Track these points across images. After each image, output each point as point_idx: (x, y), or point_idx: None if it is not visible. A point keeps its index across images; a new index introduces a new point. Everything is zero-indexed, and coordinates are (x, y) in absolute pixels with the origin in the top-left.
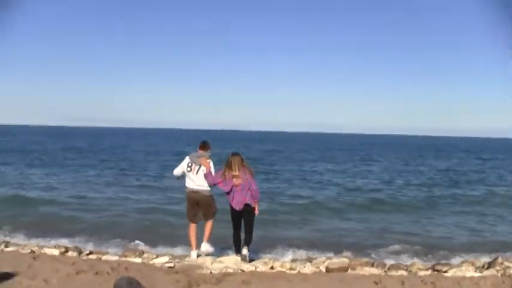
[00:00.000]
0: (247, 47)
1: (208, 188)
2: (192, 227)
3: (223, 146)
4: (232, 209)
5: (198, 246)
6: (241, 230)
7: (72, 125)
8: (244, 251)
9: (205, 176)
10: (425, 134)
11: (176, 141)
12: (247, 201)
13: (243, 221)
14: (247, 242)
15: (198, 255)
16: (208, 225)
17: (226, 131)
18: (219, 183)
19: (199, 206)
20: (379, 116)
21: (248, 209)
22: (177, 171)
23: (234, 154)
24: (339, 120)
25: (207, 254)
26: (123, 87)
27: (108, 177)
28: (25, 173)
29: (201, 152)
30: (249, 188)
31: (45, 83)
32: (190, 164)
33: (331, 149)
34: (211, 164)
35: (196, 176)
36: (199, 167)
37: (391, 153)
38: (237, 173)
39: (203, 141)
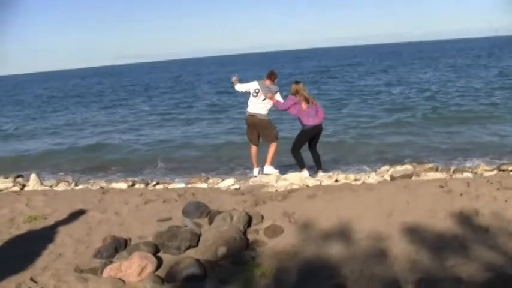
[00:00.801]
0: None
1: (265, 113)
2: (253, 149)
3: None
4: (306, 130)
5: (260, 165)
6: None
7: (121, 63)
8: (320, 173)
9: (275, 105)
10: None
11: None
12: (320, 121)
13: (310, 141)
14: (320, 164)
15: (260, 174)
16: (271, 148)
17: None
18: (289, 107)
19: (258, 129)
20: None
21: (321, 128)
22: (240, 88)
23: (298, 82)
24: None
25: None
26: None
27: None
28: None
29: (268, 82)
30: (317, 110)
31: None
32: (257, 90)
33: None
34: (279, 97)
35: (258, 102)
36: (265, 97)
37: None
38: (308, 100)
39: (270, 71)
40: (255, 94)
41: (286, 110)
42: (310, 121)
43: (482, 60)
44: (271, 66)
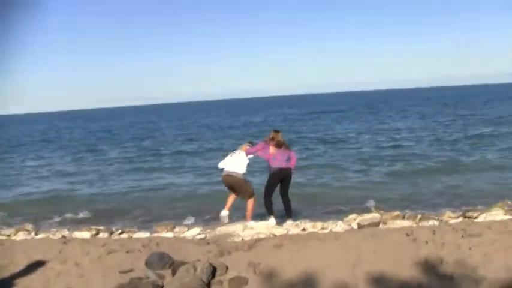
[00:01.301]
0: None
1: (241, 172)
2: (231, 194)
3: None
4: (273, 173)
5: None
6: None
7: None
8: (289, 221)
9: (246, 152)
10: None
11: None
12: (288, 165)
13: (279, 187)
14: (289, 211)
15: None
16: (248, 204)
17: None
18: (257, 150)
19: (234, 188)
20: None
21: (289, 173)
22: (221, 164)
23: (276, 131)
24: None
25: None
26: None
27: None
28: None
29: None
30: (288, 156)
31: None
32: (233, 151)
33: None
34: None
35: (232, 160)
36: (239, 152)
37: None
38: (277, 149)
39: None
40: (230, 155)
41: (253, 153)
42: (276, 164)
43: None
44: (239, 113)
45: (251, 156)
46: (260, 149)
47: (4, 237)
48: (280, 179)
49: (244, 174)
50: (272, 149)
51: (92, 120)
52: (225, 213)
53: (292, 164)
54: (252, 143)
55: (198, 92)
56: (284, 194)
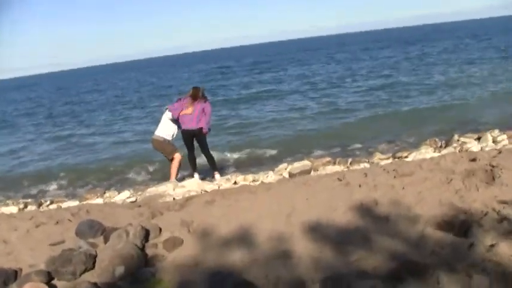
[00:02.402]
0: None
1: (160, 134)
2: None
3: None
4: (183, 131)
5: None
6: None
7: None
8: (217, 176)
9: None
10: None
11: None
12: (199, 126)
13: (196, 142)
14: (214, 165)
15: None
16: (172, 165)
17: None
18: (175, 109)
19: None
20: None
21: (198, 132)
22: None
23: (195, 88)
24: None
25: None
26: None
27: None
28: None
29: None
30: (202, 115)
31: None
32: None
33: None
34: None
35: (159, 123)
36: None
37: None
38: (193, 107)
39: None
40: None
41: (173, 111)
42: (184, 125)
43: None
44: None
45: (170, 115)
46: (177, 107)
47: None
48: (190, 139)
49: (167, 135)
50: (187, 105)
51: None
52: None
53: (202, 123)
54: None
55: (109, 54)
56: (204, 152)
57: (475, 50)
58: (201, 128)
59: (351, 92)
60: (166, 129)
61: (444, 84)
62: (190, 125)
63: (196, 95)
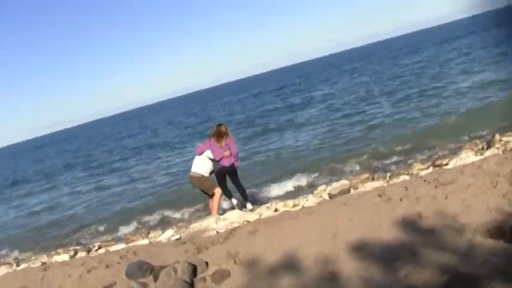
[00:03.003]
0: None
1: (199, 171)
2: (209, 200)
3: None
4: (216, 172)
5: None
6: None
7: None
8: (249, 205)
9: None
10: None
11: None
12: (229, 162)
13: (230, 179)
14: (245, 197)
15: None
16: (213, 199)
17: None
18: (203, 150)
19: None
20: None
21: (231, 168)
22: None
23: (218, 125)
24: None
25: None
26: None
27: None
28: None
29: None
30: (229, 150)
31: None
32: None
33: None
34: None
35: (194, 161)
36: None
37: None
38: (222, 144)
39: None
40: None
41: (200, 153)
42: (217, 163)
43: None
44: None
45: (204, 154)
46: (204, 147)
47: None
48: (224, 174)
49: (205, 172)
50: (214, 145)
51: None
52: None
53: (232, 159)
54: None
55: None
56: (236, 185)
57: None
58: (233, 164)
59: (385, 105)
60: (202, 166)
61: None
62: (223, 162)
63: (221, 132)
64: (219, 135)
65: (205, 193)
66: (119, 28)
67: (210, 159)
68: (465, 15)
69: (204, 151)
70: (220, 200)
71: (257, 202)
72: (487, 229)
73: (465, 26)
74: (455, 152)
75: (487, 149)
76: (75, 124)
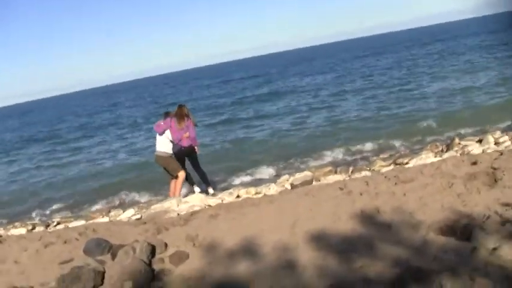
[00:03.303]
0: None
1: (164, 150)
2: (171, 181)
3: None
4: (175, 153)
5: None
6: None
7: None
8: (210, 190)
9: (155, 128)
10: None
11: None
12: (189, 143)
13: (189, 162)
14: (206, 181)
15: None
16: (176, 182)
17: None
18: (163, 128)
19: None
20: None
21: (191, 150)
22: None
23: (180, 106)
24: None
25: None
26: None
27: None
28: None
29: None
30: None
31: None
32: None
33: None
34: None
35: (157, 139)
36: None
37: None
38: (182, 126)
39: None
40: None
41: (160, 132)
42: (177, 144)
43: None
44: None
45: (165, 134)
46: (165, 126)
47: None
48: (183, 156)
49: (169, 151)
50: (175, 125)
51: None
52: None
53: (192, 141)
54: (167, 115)
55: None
56: (196, 168)
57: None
58: (192, 146)
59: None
60: (168, 145)
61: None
62: (182, 143)
63: (183, 114)
64: (180, 116)
65: (169, 174)
66: None
67: (170, 140)
68: (473, 15)
69: (165, 130)
70: (182, 184)
71: (219, 188)
72: (440, 227)
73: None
74: (416, 152)
75: (446, 151)
76: (53, 94)
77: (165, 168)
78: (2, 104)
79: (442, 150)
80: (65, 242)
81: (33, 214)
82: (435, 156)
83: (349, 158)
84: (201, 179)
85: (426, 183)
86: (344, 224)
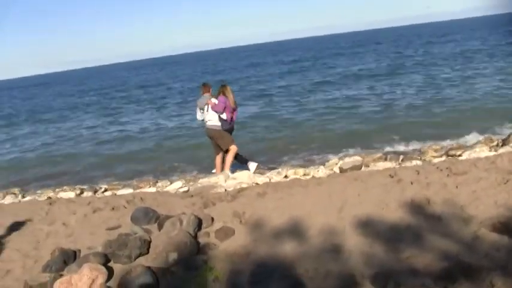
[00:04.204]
0: None
1: (218, 124)
2: (217, 157)
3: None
4: (231, 130)
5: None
6: None
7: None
8: (250, 164)
9: (213, 108)
10: None
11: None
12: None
13: None
14: (242, 160)
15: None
16: (227, 155)
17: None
18: (224, 108)
19: (214, 140)
20: None
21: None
22: (199, 117)
23: (224, 85)
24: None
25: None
26: None
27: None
28: None
29: (205, 94)
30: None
31: None
32: (202, 107)
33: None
34: (213, 99)
35: (208, 115)
36: (208, 106)
37: None
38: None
39: (203, 84)
40: (202, 111)
41: (220, 111)
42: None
43: None
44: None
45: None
46: (224, 106)
47: None
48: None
49: (222, 125)
50: (229, 104)
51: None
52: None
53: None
54: (205, 86)
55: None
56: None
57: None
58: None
59: (405, 87)
60: (218, 120)
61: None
62: (233, 119)
63: (229, 91)
64: (227, 94)
65: (218, 148)
66: None
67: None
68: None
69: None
70: (233, 158)
71: (267, 167)
72: (492, 223)
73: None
74: (469, 145)
75: (502, 146)
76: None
77: (215, 143)
78: (72, 67)
79: (497, 145)
80: (113, 209)
81: (81, 179)
82: (490, 151)
83: (399, 146)
84: (239, 160)
85: (480, 177)
86: (392, 212)
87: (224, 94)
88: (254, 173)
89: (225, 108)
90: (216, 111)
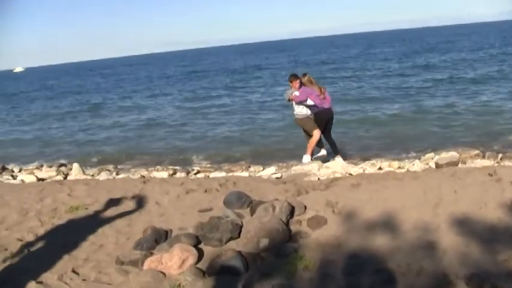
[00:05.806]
0: None
1: (302, 112)
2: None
3: None
4: (324, 111)
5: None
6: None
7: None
8: (338, 158)
9: (295, 100)
10: None
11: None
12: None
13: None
14: (336, 150)
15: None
16: (311, 140)
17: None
18: (313, 99)
19: (302, 128)
20: None
21: (332, 113)
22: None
23: (305, 74)
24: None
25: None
26: None
27: None
28: None
29: (292, 87)
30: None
31: None
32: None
33: None
34: (296, 92)
35: (294, 106)
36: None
37: None
38: (322, 91)
39: (291, 75)
40: (291, 103)
41: (304, 100)
42: (326, 104)
43: None
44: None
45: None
46: (313, 96)
47: (89, 177)
48: (325, 120)
49: (307, 112)
50: (318, 91)
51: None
52: (306, 158)
53: (328, 103)
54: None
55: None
56: (328, 134)
57: None
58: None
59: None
60: (303, 108)
61: None
62: (326, 104)
63: (312, 81)
64: (312, 83)
65: (307, 134)
66: None
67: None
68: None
69: (311, 103)
70: (315, 143)
71: (360, 158)
72: None
73: None
74: None
75: None
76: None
77: (303, 130)
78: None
79: None
80: (206, 191)
81: (173, 160)
82: None
83: (497, 144)
84: (331, 147)
85: None
86: (490, 212)
87: (305, 85)
88: (347, 163)
89: (308, 96)
90: (301, 101)
